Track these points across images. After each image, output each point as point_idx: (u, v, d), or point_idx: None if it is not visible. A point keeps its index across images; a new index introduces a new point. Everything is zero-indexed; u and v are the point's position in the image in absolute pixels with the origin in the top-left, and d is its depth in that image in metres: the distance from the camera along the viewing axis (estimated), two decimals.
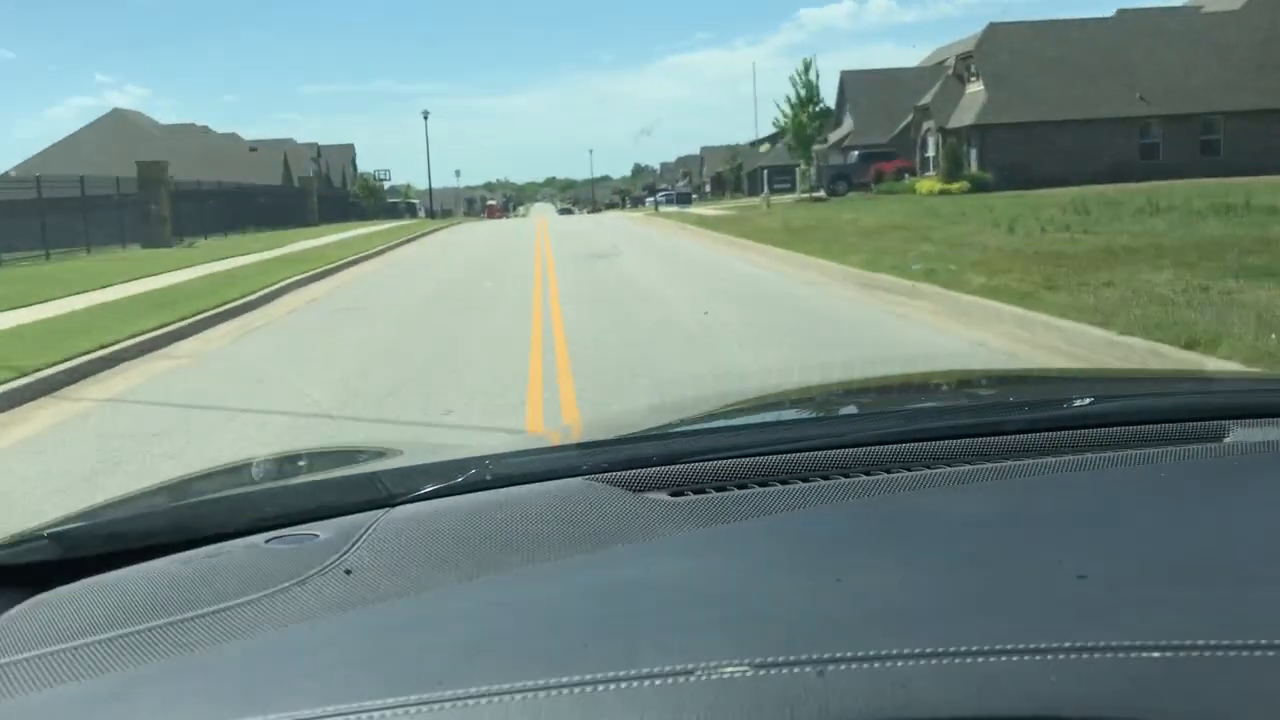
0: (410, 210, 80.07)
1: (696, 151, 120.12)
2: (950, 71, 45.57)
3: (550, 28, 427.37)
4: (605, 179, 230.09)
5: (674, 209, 48.91)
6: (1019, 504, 1.24)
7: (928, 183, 41.55)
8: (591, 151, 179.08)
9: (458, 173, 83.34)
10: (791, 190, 51.03)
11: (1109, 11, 48.23)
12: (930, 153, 46.44)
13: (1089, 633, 0.82)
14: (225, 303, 14.51)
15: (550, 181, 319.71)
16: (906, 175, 46.20)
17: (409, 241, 33.81)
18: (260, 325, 12.98)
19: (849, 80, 60.08)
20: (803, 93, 43.12)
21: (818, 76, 43.38)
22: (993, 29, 44.24)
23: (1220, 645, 0.80)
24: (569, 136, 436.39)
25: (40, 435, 7.31)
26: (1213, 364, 7.18)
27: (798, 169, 47.97)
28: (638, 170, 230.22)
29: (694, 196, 74.03)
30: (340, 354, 10.20)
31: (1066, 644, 0.80)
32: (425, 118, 68.61)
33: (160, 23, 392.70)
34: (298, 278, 18.63)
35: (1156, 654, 0.79)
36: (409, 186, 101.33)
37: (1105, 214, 20.52)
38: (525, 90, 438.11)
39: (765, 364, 8.45)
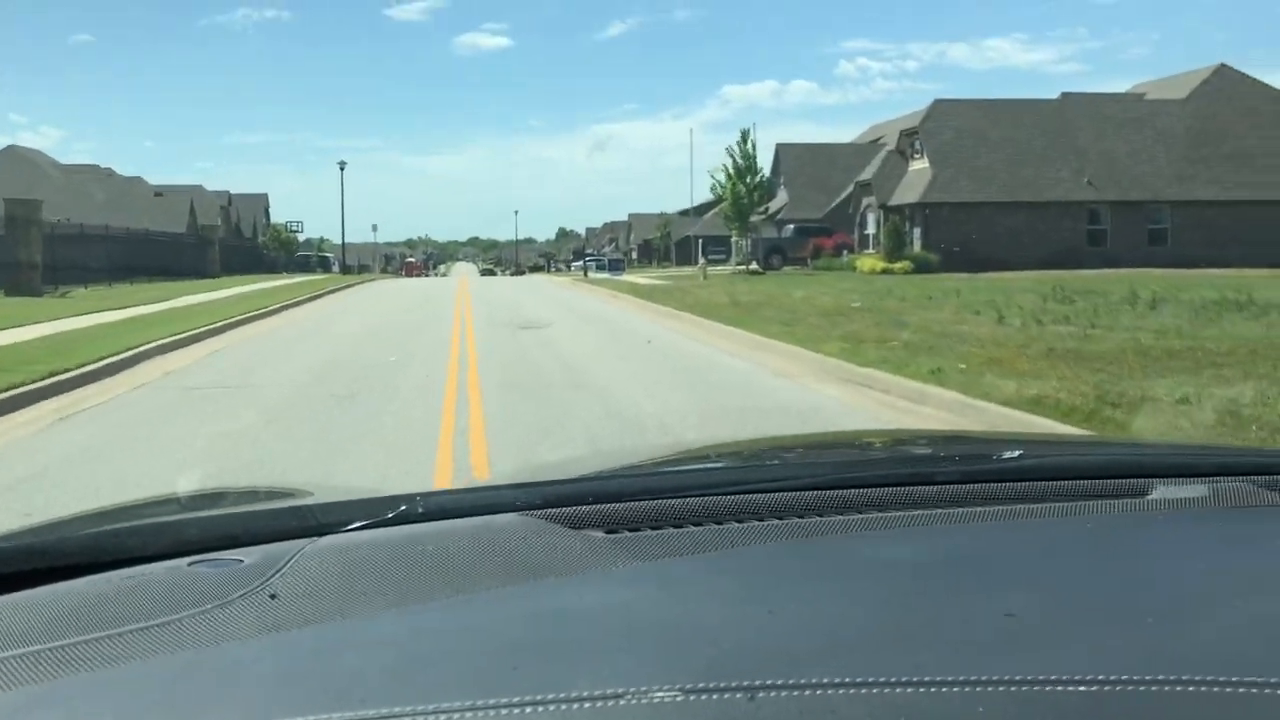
0: (324, 264, 76.58)
1: (624, 218, 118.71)
2: (892, 147, 44.10)
3: (479, 92, 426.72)
4: (529, 241, 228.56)
5: (604, 275, 46.41)
6: (949, 549, 1.26)
7: (869, 260, 39.77)
8: (517, 213, 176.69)
9: (374, 227, 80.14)
10: (725, 261, 49.05)
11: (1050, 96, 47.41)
12: (870, 230, 44.81)
13: (1016, 667, 0.86)
14: (55, 373, 11.50)
15: (473, 241, 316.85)
16: (846, 252, 44.48)
17: (312, 299, 30.73)
18: (89, 408, 10.02)
19: (784, 153, 58.73)
20: (742, 163, 41.12)
21: (754, 147, 41.49)
22: (938, 105, 42.96)
23: (1141, 680, 0.83)
24: (494, 198, 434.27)
25: None
26: None
27: (733, 240, 46.03)
28: (562, 234, 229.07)
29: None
30: (169, 465, 7.34)
31: (994, 677, 0.83)
32: (341, 168, 65.45)
33: (81, 66, 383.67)
34: (166, 340, 15.61)
35: (1082, 688, 0.82)
36: (323, 240, 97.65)
37: (1093, 305, 18.48)
38: (451, 150, 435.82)
39: None
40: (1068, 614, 1.03)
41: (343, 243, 71.28)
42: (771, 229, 51.70)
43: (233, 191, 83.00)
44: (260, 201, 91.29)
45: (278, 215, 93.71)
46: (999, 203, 40.36)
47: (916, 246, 40.02)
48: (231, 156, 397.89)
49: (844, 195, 56.47)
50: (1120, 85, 50.95)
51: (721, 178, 41.79)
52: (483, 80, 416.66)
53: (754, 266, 43.42)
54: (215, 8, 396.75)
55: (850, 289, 26.61)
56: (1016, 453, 1.65)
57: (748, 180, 40.90)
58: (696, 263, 65.55)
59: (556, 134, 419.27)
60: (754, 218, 42.33)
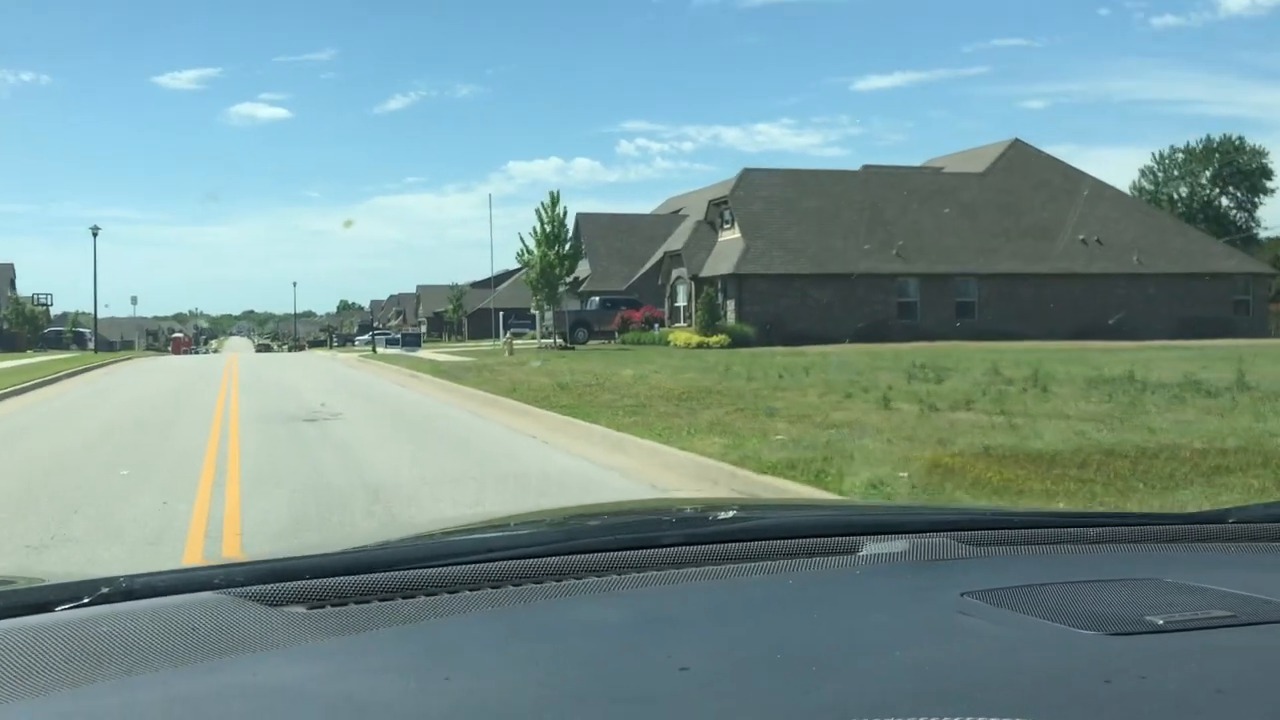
0: (78, 340, 68.97)
1: (411, 290, 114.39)
2: (700, 218, 42.43)
3: (256, 162, 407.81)
4: (309, 315, 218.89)
5: (396, 351, 42.42)
6: (652, 609, 1.33)
7: (683, 334, 37.69)
8: (295, 284, 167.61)
9: (134, 299, 71.80)
10: (529, 335, 46.05)
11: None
12: (681, 302, 42.84)
13: (678, 716, 0.94)
14: None
15: (249, 315, 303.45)
16: (656, 325, 42.37)
17: (46, 384, 25.78)
18: None
19: (585, 223, 56.60)
20: (550, 228, 38.30)
21: (564, 211, 38.80)
22: (747, 174, 41.66)
23: None
24: (271, 270, 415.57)
25: None
26: None
27: (539, 313, 43.17)
28: (344, 306, 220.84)
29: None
30: None
31: None
32: (94, 234, 58.67)
33: None
34: None
35: None
36: (78, 314, 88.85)
37: (971, 384, 16.51)
38: (226, 221, 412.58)
39: None
40: (740, 665, 1.10)
41: (94, 316, 64.16)
42: (573, 301, 49.23)
43: None
44: (5, 273, 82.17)
45: (28, 288, 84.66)
46: (811, 274, 39.16)
47: (731, 319, 38.24)
48: None
49: (649, 266, 54.77)
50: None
51: (531, 243, 38.74)
52: (259, 151, 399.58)
53: (558, 341, 40.62)
54: None
55: (680, 365, 24.12)
56: (730, 513, 1.73)
57: (557, 247, 38.06)
58: (495, 337, 62.44)
59: (336, 205, 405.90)
60: (562, 288, 39.52)
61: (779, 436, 11.15)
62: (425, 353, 38.81)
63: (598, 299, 47.88)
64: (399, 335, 41.72)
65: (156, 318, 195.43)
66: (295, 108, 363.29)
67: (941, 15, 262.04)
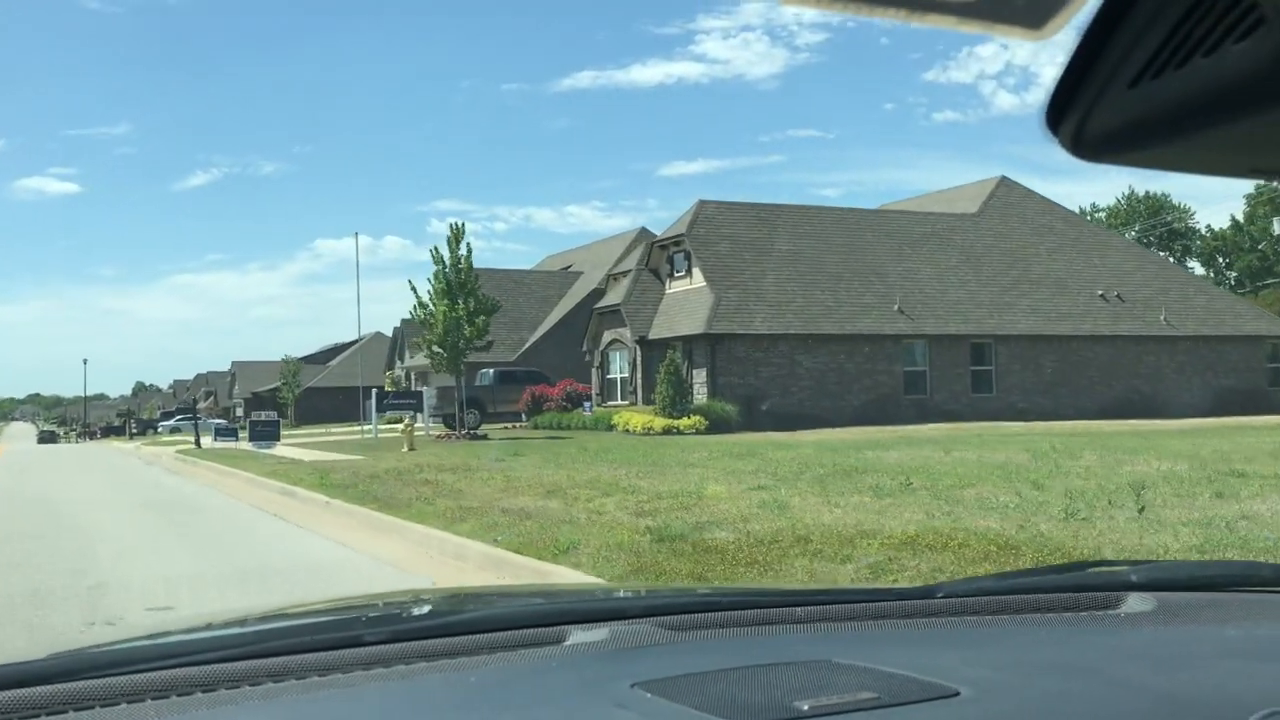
0: None
1: (225, 368, 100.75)
2: (643, 265, 32.87)
3: (44, 239, 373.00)
4: (102, 397, 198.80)
5: (233, 445, 30.88)
6: (320, 716, 1.27)
7: (638, 416, 27.86)
8: (86, 362, 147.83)
9: None
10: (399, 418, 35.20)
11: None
12: (620, 373, 32.94)
13: None
14: None
15: (34, 398, 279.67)
16: (586, 404, 32.42)
17: None
18: None
19: None
20: (453, 275, 27.85)
21: (470, 252, 28.46)
22: (704, 207, 32.29)
23: None
24: (59, 350, 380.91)
25: None
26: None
27: (425, 390, 32.54)
28: (141, 388, 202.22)
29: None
30: None
31: None
32: None
33: None
34: None
35: None
36: None
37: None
38: (8, 300, 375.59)
39: None
40: None
41: None
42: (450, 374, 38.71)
43: None
44: None
45: None
46: (800, 335, 30.07)
47: (702, 395, 28.66)
48: None
49: (546, 329, 44.95)
50: None
51: (424, 293, 28.08)
52: (48, 227, 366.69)
53: (456, 427, 30.17)
54: None
55: (757, 469, 14.29)
56: (427, 608, 1.67)
57: (466, 301, 27.62)
58: (337, 421, 51.16)
59: (132, 283, 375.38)
60: (472, 355, 29.02)
61: None
62: (283, 448, 27.44)
63: (491, 371, 37.48)
64: (247, 425, 28.91)
65: None
66: (87, 182, 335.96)
67: (739, 107, 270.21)
